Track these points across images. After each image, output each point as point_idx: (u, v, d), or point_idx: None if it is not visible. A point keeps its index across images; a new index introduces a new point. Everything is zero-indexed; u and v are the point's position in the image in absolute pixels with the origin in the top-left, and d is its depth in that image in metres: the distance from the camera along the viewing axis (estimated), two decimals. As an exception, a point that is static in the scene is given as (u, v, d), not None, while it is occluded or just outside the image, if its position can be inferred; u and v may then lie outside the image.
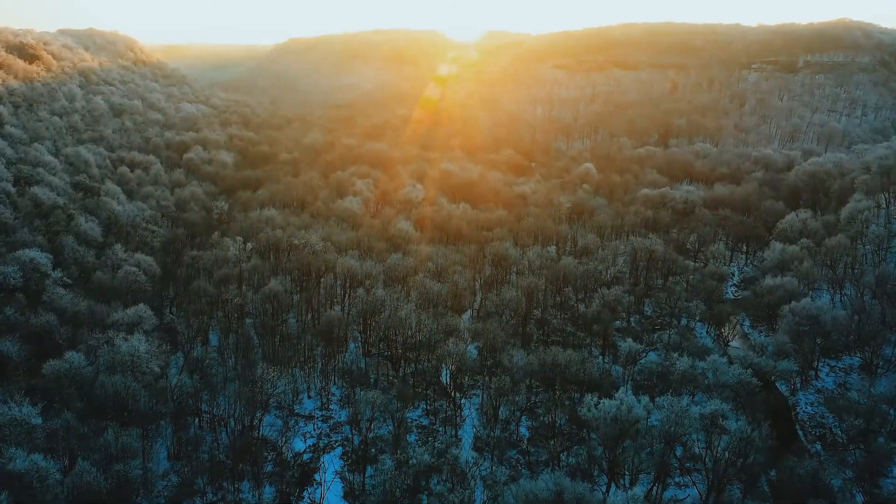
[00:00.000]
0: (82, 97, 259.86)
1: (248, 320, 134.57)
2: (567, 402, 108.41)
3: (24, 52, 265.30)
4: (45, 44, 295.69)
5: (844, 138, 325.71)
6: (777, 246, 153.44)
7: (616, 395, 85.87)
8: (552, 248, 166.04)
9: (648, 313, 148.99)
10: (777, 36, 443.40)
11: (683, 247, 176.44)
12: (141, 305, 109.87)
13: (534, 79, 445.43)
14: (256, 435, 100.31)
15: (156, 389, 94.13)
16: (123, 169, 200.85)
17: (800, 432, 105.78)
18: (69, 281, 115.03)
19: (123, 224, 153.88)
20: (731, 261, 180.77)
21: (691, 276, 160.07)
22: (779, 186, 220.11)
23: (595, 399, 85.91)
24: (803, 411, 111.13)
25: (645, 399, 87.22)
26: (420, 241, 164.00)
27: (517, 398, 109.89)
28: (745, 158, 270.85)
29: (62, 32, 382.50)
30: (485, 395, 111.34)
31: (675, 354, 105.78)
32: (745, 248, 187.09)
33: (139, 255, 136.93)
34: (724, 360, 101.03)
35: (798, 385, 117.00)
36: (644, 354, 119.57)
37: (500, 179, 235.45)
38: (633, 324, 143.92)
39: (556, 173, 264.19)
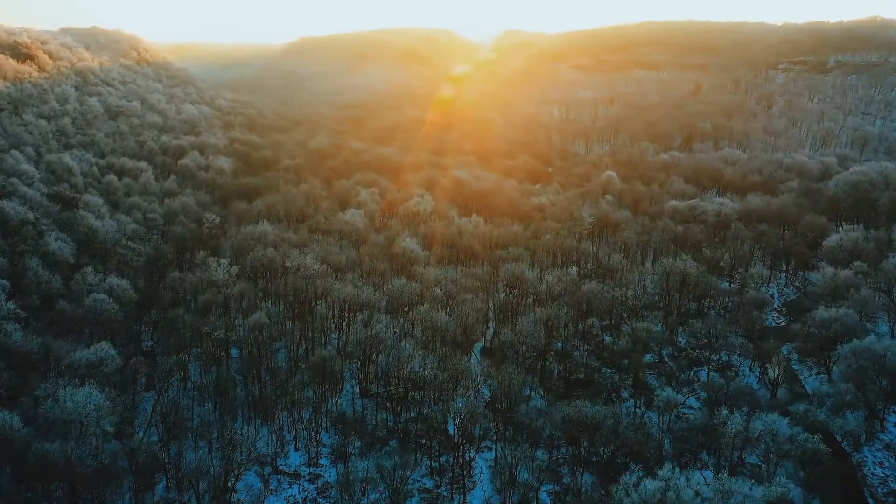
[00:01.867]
0: (76, 99, 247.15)
1: (234, 350, 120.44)
2: (594, 460, 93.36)
3: (18, 51, 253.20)
4: (42, 43, 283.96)
5: (881, 143, 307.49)
6: (828, 270, 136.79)
7: (660, 472, 70.21)
8: (573, 269, 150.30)
9: (682, 345, 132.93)
10: (805, 35, 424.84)
11: (717, 265, 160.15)
12: (103, 344, 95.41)
13: (550, 79, 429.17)
14: (229, 498, 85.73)
15: (110, 451, 79.64)
16: (111, 177, 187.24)
17: (870, 502, 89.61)
18: (24, 313, 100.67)
19: (102, 241, 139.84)
20: (769, 281, 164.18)
21: (728, 302, 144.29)
22: (818, 198, 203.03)
23: (633, 477, 70.36)
24: (871, 473, 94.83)
25: (696, 476, 71.51)
26: (427, 261, 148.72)
27: (536, 451, 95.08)
28: (778, 165, 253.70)
29: (64, 31, 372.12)
30: (499, 450, 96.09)
31: (725, 411, 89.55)
32: (785, 267, 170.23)
33: (113, 279, 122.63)
34: (785, 422, 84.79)
35: (862, 439, 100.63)
36: (683, 401, 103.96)
37: (516, 188, 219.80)
38: (665, 357, 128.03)
39: (576, 181, 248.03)
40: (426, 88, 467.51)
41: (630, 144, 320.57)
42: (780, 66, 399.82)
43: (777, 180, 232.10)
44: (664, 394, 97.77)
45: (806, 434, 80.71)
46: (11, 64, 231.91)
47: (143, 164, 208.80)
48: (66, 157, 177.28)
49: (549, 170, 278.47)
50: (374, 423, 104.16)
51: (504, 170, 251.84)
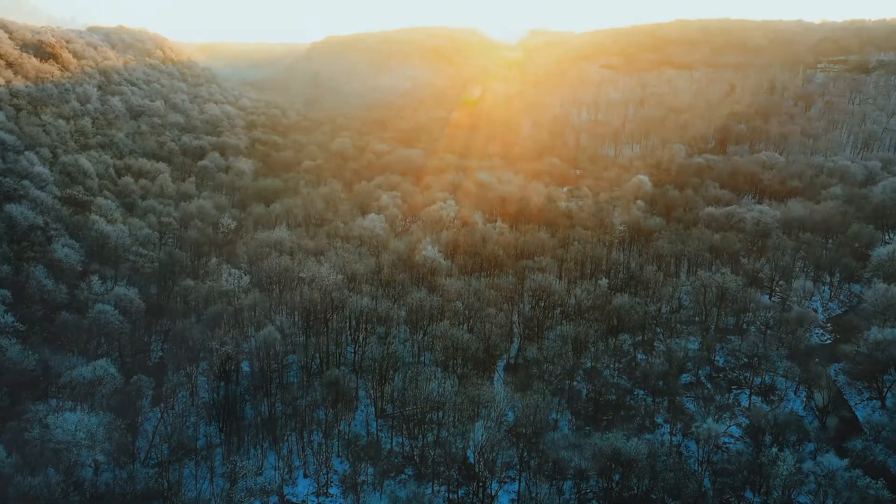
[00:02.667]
0: (98, 98, 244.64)
1: (245, 364, 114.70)
2: (627, 495, 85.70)
3: (42, 50, 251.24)
4: (67, 41, 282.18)
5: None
6: (879, 286, 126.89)
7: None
8: (603, 281, 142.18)
9: (721, 364, 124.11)
10: (846, 33, 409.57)
11: (756, 277, 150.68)
12: (102, 361, 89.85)
13: (579, 79, 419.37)
14: (232, 533, 79.62)
15: (104, 480, 73.88)
16: (127, 179, 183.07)
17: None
18: (22, 326, 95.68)
19: (112, 247, 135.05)
20: (812, 295, 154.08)
21: (769, 317, 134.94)
22: (863, 204, 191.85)
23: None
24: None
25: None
26: (449, 271, 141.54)
27: (564, 484, 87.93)
28: (818, 170, 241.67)
29: (91, 30, 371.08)
30: (523, 482, 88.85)
31: (774, 449, 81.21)
32: (829, 280, 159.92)
33: (121, 289, 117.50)
34: (843, 464, 76.07)
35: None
36: (725, 429, 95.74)
37: (543, 193, 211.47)
38: (702, 378, 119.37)
39: (606, 185, 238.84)
40: (451, 88, 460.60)
41: (662, 147, 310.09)
42: (820, 66, 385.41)
43: (818, 185, 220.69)
44: (704, 425, 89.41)
45: (868, 479, 72.10)
46: (34, 63, 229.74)
47: (162, 164, 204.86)
48: (82, 159, 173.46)
49: (577, 172, 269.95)
50: (388, 447, 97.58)
51: (531, 173, 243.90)
